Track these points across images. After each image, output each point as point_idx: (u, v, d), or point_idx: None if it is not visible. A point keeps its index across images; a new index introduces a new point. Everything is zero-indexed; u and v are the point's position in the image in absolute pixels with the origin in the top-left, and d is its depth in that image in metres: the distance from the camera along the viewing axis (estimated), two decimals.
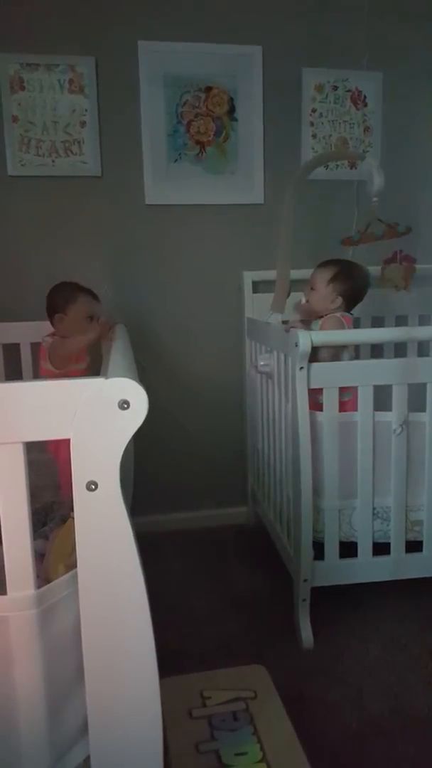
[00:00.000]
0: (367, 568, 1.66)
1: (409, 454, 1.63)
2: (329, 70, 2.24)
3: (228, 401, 2.35)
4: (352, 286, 1.82)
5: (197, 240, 2.26)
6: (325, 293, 1.82)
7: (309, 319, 1.89)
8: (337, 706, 1.40)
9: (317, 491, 1.60)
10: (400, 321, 2.35)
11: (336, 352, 1.70)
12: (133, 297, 2.23)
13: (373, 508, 1.65)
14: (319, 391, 1.59)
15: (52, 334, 1.84)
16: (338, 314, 1.81)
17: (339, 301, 1.82)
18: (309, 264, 1.98)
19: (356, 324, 2.29)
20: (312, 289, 1.86)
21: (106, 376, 0.79)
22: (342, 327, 1.79)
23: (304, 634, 1.61)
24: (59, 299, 1.83)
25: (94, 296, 1.89)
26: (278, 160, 2.25)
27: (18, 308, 2.12)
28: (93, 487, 0.79)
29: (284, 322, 1.85)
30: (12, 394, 0.76)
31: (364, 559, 1.65)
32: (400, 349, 2.33)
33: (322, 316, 1.83)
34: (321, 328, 1.80)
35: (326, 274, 1.82)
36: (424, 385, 1.62)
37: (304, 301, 1.87)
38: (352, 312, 1.88)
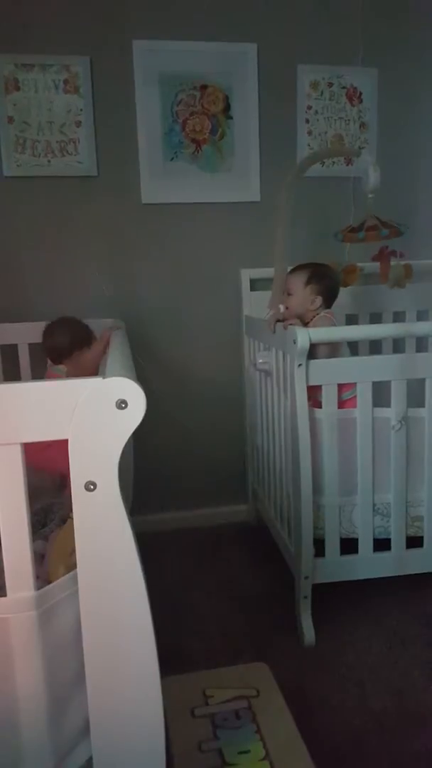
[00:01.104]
0: (368, 565, 1.66)
1: (409, 449, 1.63)
2: (324, 67, 2.23)
3: (227, 399, 2.35)
4: (328, 285, 1.87)
5: (194, 238, 2.25)
6: (303, 295, 1.86)
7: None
8: (340, 702, 1.40)
9: (317, 488, 1.60)
10: (398, 317, 2.35)
11: (334, 349, 1.70)
12: (130, 296, 2.23)
13: (374, 504, 1.65)
14: (318, 390, 1.59)
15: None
16: (322, 313, 1.85)
17: (318, 300, 1.85)
18: (306, 261, 1.97)
19: (354, 320, 2.30)
20: (289, 294, 1.88)
21: (104, 375, 0.78)
22: (333, 325, 1.80)
23: (305, 631, 1.61)
24: (82, 336, 1.89)
25: (86, 326, 1.96)
26: (274, 157, 2.25)
27: (16, 309, 2.12)
28: (92, 487, 0.79)
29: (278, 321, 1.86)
30: (10, 395, 0.76)
31: (364, 555, 1.65)
32: (398, 345, 2.33)
33: (307, 322, 1.84)
34: None
35: (302, 277, 1.87)
36: (422, 380, 1.62)
37: (283, 308, 1.89)
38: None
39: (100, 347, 1.83)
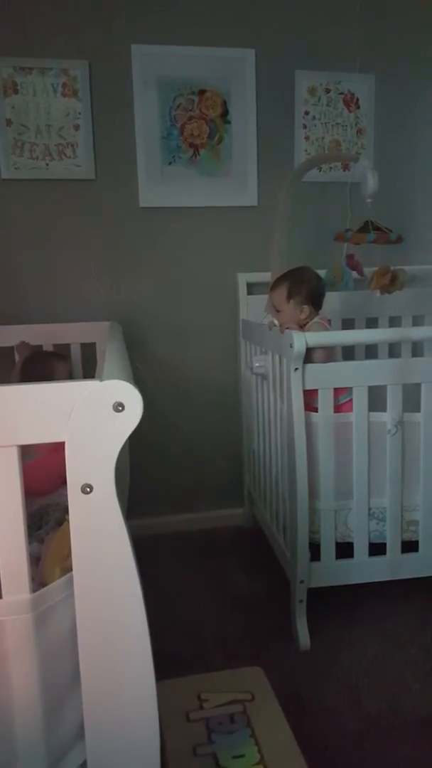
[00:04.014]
0: (363, 569, 1.66)
1: (404, 454, 1.64)
2: (322, 73, 2.25)
3: (223, 403, 2.35)
4: (309, 290, 1.86)
5: (192, 242, 2.26)
6: (290, 310, 1.86)
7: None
8: (335, 706, 1.40)
9: (313, 492, 1.60)
10: (394, 322, 2.36)
11: (330, 354, 1.71)
12: (127, 299, 2.23)
13: (369, 509, 1.65)
14: (315, 394, 1.59)
15: None
16: (316, 319, 1.85)
17: (306, 309, 1.85)
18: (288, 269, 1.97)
19: (350, 325, 2.31)
20: (277, 311, 1.89)
21: (101, 378, 0.79)
22: (326, 329, 1.81)
23: (301, 635, 1.61)
24: (42, 376, 1.89)
25: (62, 356, 1.97)
26: (272, 162, 2.26)
27: (13, 311, 2.12)
28: (88, 489, 0.79)
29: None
30: (7, 397, 0.76)
31: (360, 559, 1.65)
32: (394, 350, 2.34)
33: (302, 326, 1.85)
34: None
35: (282, 293, 1.87)
36: (418, 385, 1.63)
37: (277, 323, 1.90)
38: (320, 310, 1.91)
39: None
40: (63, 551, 0.92)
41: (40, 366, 1.90)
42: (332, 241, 2.03)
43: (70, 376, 1.95)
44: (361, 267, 2.01)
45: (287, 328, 1.68)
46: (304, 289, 1.85)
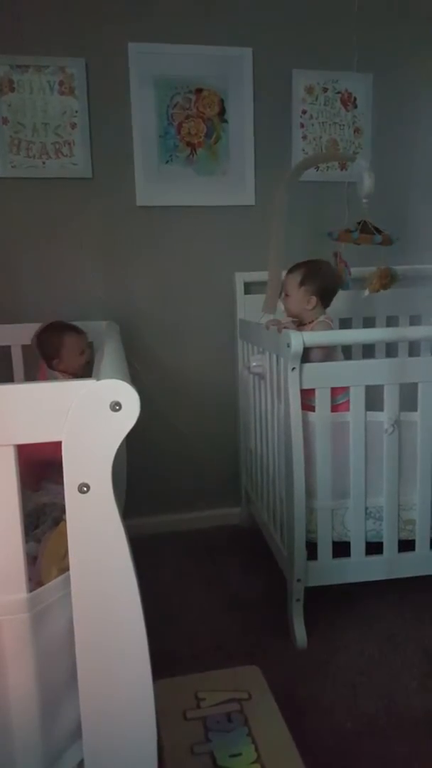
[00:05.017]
0: (360, 568, 1.66)
1: (401, 453, 1.64)
2: (319, 72, 2.25)
3: (221, 402, 2.35)
4: (322, 284, 1.87)
5: (189, 241, 2.26)
6: (299, 296, 1.87)
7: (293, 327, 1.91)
8: (332, 705, 1.40)
9: (310, 491, 1.60)
10: (391, 321, 2.36)
11: (328, 354, 1.71)
12: (124, 299, 2.23)
13: (366, 508, 1.65)
14: (312, 393, 1.59)
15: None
16: (321, 318, 1.85)
17: (314, 300, 1.86)
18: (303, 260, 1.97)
19: (348, 325, 2.31)
20: (287, 295, 1.90)
21: (97, 377, 0.79)
22: (331, 329, 1.81)
23: (298, 634, 1.61)
24: (49, 348, 1.93)
25: (77, 329, 1.96)
26: (269, 161, 2.26)
27: (9, 310, 2.12)
28: (85, 489, 0.79)
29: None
30: (3, 396, 0.76)
31: (357, 558, 1.66)
32: (391, 350, 2.35)
33: (303, 324, 1.85)
34: None
35: (296, 278, 1.88)
36: (415, 384, 1.63)
37: (282, 309, 1.90)
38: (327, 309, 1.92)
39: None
40: (60, 550, 0.92)
41: (53, 337, 1.93)
42: (330, 240, 2.03)
43: (83, 350, 1.96)
44: (348, 266, 2.01)
45: (284, 327, 1.68)
46: (318, 280, 1.86)
